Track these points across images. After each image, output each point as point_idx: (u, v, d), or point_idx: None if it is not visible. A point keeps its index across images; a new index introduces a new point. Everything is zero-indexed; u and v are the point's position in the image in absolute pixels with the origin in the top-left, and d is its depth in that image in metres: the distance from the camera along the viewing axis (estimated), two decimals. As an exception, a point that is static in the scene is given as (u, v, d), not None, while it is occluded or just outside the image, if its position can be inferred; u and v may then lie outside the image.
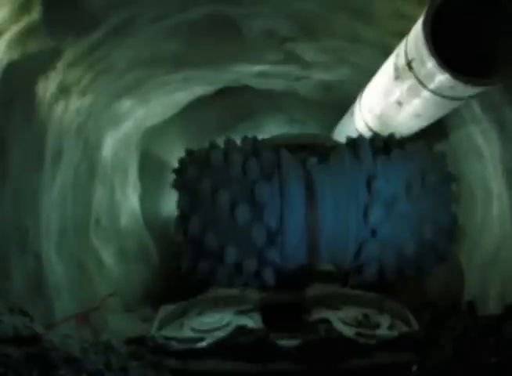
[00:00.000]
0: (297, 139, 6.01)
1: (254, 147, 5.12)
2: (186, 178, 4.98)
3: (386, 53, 4.56)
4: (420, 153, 5.03)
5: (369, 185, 4.83)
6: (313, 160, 5.26)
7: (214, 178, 4.81)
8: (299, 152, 5.38)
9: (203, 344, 3.75)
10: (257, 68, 6.37)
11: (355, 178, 4.90)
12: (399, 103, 4.52)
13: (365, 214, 4.83)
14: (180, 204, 4.98)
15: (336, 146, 5.63)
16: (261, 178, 4.79)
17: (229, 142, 5.23)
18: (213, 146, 5.16)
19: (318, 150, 5.45)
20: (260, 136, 5.50)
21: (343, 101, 6.67)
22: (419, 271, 5.09)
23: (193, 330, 4.07)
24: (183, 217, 4.92)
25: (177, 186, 5.15)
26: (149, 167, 7.68)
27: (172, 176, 5.29)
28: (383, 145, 5.07)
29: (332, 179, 5.01)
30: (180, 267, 5.07)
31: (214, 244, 4.73)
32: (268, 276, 4.97)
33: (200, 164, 5.00)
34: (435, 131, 5.50)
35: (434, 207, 4.90)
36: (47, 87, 3.99)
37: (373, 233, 4.88)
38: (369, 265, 4.97)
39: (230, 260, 4.75)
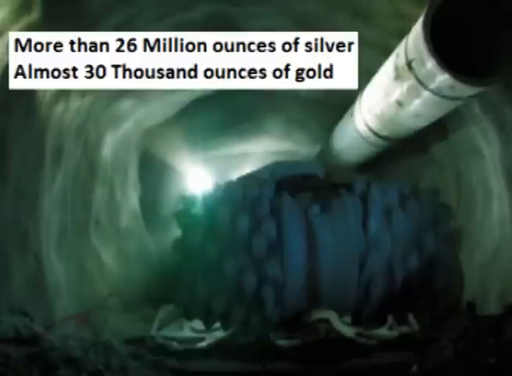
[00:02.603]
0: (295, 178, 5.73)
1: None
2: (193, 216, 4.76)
3: (386, 53, 4.56)
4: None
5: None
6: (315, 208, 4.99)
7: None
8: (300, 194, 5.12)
9: (203, 344, 3.75)
10: (258, 68, 6.35)
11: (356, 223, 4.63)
12: (399, 103, 4.51)
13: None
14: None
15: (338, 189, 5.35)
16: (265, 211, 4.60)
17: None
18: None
19: (319, 196, 5.18)
20: (260, 136, 5.47)
21: (343, 101, 6.66)
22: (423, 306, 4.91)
23: (193, 330, 4.08)
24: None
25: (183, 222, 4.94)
26: (149, 167, 7.67)
27: (172, 176, 5.27)
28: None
29: (332, 225, 4.75)
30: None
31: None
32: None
33: None
34: (435, 132, 5.49)
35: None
36: (47, 87, 3.99)
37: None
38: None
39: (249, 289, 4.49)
